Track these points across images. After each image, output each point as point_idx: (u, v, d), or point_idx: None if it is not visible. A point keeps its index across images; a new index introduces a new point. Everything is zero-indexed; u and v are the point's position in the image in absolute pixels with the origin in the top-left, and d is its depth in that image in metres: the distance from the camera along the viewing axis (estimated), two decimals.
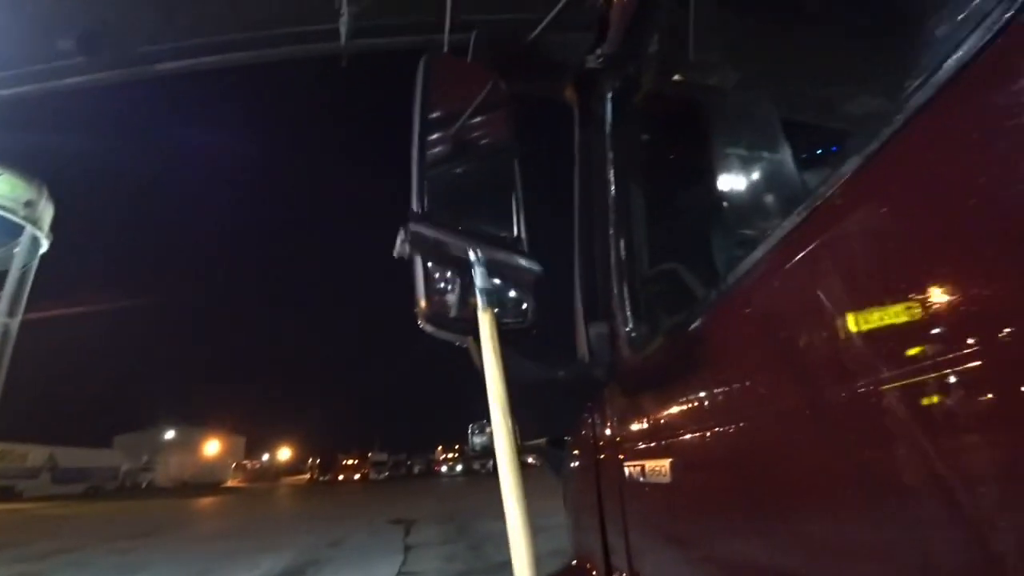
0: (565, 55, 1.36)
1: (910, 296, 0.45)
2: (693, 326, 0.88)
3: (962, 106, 0.43)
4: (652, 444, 0.98)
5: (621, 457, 1.11)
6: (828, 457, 0.57)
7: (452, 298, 0.89)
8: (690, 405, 0.87)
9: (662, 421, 0.97)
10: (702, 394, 0.83)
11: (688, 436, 0.86)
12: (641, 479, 1.00)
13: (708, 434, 0.80)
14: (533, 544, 0.69)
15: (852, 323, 0.52)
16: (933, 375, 0.42)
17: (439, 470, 76.41)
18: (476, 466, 64.02)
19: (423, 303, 0.86)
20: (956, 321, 0.41)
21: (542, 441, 1.78)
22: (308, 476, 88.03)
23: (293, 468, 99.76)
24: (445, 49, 1.31)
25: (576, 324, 1.27)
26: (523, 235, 1.02)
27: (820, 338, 0.57)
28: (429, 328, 0.87)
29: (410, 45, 1.59)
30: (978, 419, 0.40)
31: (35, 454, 37.63)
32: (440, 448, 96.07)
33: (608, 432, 1.21)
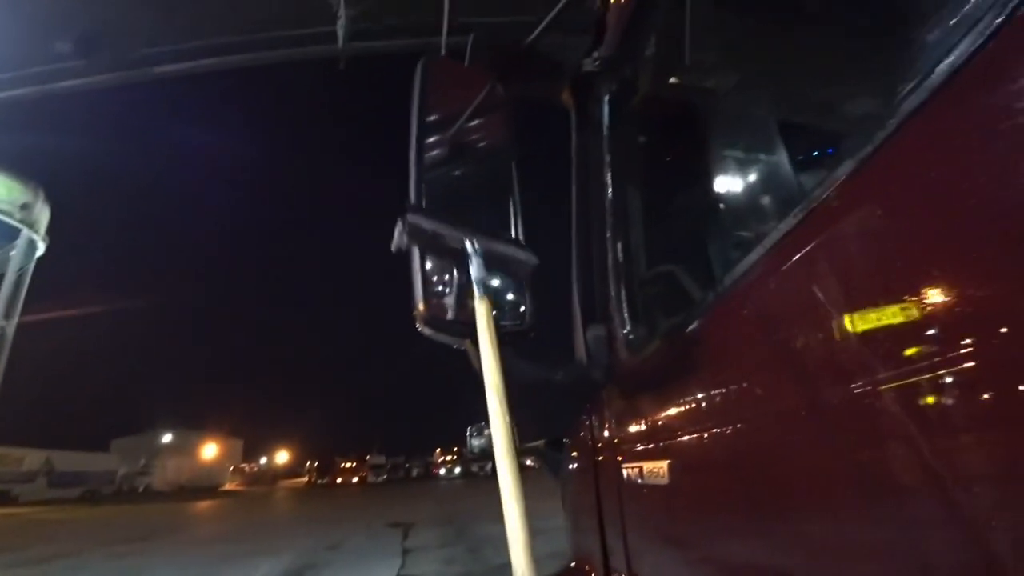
0: (562, 58, 1.37)
1: (906, 297, 0.45)
2: (690, 328, 0.89)
3: (957, 108, 0.43)
4: (650, 446, 0.98)
5: (619, 459, 1.11)
6: (826, 458, 0.57)
7: (450, 300, 0.90)
8: (688, 407, 0.87)
9: (660, 423, 0.97)
10: (700, 396, 0.84)
11: (686, 437, 0.86)
12: (639, 481, 1.00)
13: (706, 435, 0.80)
14: (532, 546, 0.69)
15: (849, 324, 0.52)
16: (929, 376, 0.43)
17: (437, 473, 76.23)
18: (475, 468, 63.91)
19: (421, 306, 0.87)
20: (952, 322, 0.42)
21: (541, 443, 1.78)
22: (306, 479, 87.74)
23: (291, 471, 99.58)
24: (443, 52, 1.32)
25: (574, 326, 1.27)
26: (521, 237, 1.02)
27: (817, 339, 0.57)
28: (427, 331, 0.87)
29: (408, 48, 1.59)
30: (975, 419, 0.41)
31: (31, 458, 37.49)
32: (438, 451, 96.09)
33: (606, 434, 1.21)
